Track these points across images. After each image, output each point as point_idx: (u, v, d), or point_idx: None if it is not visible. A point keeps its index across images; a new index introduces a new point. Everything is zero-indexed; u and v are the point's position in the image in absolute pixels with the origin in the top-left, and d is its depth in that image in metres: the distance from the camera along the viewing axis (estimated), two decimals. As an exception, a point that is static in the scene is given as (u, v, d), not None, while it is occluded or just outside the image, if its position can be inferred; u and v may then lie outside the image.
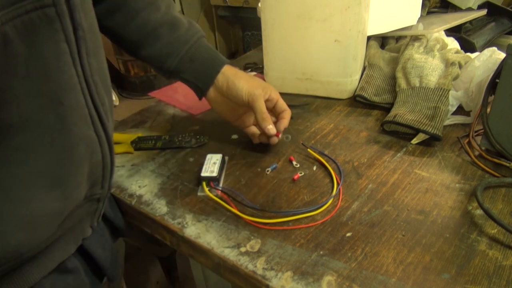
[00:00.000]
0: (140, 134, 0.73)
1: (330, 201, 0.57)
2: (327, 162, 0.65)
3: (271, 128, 0.64)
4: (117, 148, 0.70)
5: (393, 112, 0.72)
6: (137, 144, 0.71)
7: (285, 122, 0.66)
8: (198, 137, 0.72)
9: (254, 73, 0.98)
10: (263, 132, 0.66)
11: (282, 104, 0.67)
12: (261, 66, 0.95)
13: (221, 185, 0.61)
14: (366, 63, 0.87)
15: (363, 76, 0.84)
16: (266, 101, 0.65)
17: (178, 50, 0.64)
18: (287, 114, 0.67)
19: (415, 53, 0.79)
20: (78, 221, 0.50)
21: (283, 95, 0.86)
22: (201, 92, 0.67)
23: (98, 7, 0.59)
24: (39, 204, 0.42)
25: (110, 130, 0.48)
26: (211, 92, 0.66)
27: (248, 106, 0.65)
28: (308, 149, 0.67)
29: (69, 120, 0.42)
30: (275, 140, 0.66)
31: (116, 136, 0.73)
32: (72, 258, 0.51)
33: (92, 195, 0.49)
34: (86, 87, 0.44)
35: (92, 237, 0.54)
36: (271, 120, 0.65)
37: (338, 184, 0.60)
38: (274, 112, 0.68)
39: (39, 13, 0.37)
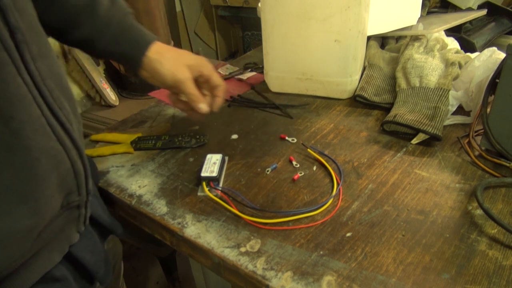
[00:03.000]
0: (140, 134, 0.73)
1: (330, 201, 0.57)
2: (327, 162, 0.65)
3: (202, 107, 0.63)
4: (117, 148, 0.70)
5: (393, 112, 0.72)
6: (137, 144, 0.71)
7: (218, 100, 0.65)
8: (198, 137, 0.72)
9: (254, 73, 0.98)
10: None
11: (215, 80, 0.65)
12: (261, 66, 0.95)
13: (221, 185, 0.61)
14: (366, 63, 0.87)
15: (363, 76, 0.84)
16: (197, 77, 0.64)
17: (101, 33, 0.60)
18: (220, 90, 0.65)
19: (415, 53, 0.79)
20: (59, 231, 0.47)
21: (283, 95, 0.86)
22: (135, 74, 0.65)
23: None
24: (6, 223, 0.39)
25: (76, 135, 0.45)
26: (144, 72, 0.64)
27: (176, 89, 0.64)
28: (308, 149, 0.67)
29: (24, 134, 0.38)
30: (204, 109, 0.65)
31: (116, 136, 0.73)
32: (59, 266, 0.49)
33: (69, 203, 0.47)
34: (39, 95, 0.40)
35: (80, 243, 0.51)
36: (203, 98, 0.64)
37: (338, 184, 0.60)
38: (208, 87, 0.66)
39: None
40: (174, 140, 0.71)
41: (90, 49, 0.63)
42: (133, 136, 0.72)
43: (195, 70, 0.63)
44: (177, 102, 0.67)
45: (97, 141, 0.74)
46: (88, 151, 0.69)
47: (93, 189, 0.56)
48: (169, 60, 0.62)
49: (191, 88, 0.62)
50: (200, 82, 0.65)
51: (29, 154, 0.39)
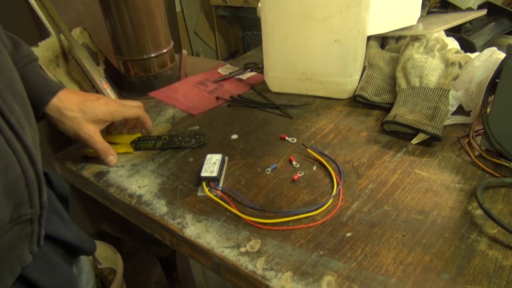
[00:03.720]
0: (139, 134, 0.73)
1: (330, 201, 0.57)
2: (327, 162, 0.65)
3: (111, 160, 0.67)
4: (117, 148, 0.70)
5: (393, 112, 0.72)
6: (137, 144, 0.71)
7: (148, 125, 0.70)
8: (198, 137, 0.72)
9: (254, 73, 0.98)
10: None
11: (131, 115, 0.68)
12: (261, 66, 0.95)
13: (221, 185, 0.61)
14: (366, 63, 0.87)
15: (363, 76, 0.84)
16: (113, 123, 0.67)
17: None
18: (143, 118, 0.69)
19: (415, 53, 0.79)
20: (9, 249, 0.42)
21: (283, 95, 0.86)
22: (38, 121, 0.62)
23: None
24: None
25: (27, 139, 0.43)
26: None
27: None
28: (308, 149, 0.67)
29: None
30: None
31: (116, 137, 0.73)
32: None
33: (19, 216, 0.42)
34: None
35: (34, 264, 0.46)
36: (110, 150, 0.66)
37: (338, 184, 0.60)
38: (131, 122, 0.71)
39: None
40: (174, 140, 0.71)
41: None
42: (133, 136, 0.72)
43: (103, 121, 0.65)
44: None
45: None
46: (89, 151, 0.69)
47: (56, 205, 0.54)
48: (70, 119, 0.62)
49: (95, 144, 0.64)
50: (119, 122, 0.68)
51: None
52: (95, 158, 0.69)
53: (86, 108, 0.63)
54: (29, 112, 0.47)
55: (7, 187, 0.40)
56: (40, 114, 0.61)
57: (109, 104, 0.65)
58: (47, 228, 0.49)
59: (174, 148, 0.71)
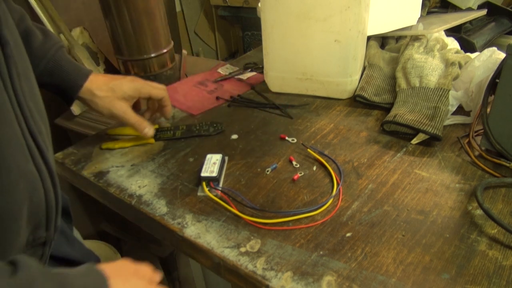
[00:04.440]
0: (156, 126, 0.75)
1: (330, 201, 0.57)
2: (327, 162, 0.65)
3: (146, 132, 0.68)
4: (138, 140, 0.72)
5: (393, 112, 0.72)
6: (156, 135, 0.73)
7: (166, 110, 0.70)
8: (215, 125, 0.74)
9: (254, 73, 0.97)
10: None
11: (155, 94, 0.68)
12: (261, 66, 0.95)
13: (221, 185, 0.61)
14: (366, 63, 0.87)
15: (363, 76, 0.84)
16: (138, 100, 0.67)
17: (34, 65, 0.55)
18: (164, 101, 0.69)
19: (415, 53, 0.79)
20: None
21: (283, 95, 0.86)
22: (68, 104, 0.66)
23: None
24: None
25: (51, 162, 0.43)
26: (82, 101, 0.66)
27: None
28: (308, 149, 0.67)
29: (6, 152, 0.36)
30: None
31: (133, 129, 0.75)
32: None
33: (35, 239, 0.42)
34: (21, 113, 0.39)
35: None
36: (144, 122, 0.67)
37: (338, 184, 0.60)
38: (153, 104, 0.72)
39: None
40: (192, 129, 0.73)
41: None
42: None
43: (132, 97, 0.66)
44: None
45: (114, 135, 0.75)
46: (109, 144, 0.71)
47: (61, 225, 0.53)
48: (102, 99, 0.64)
49: (130, 118, 0.66)
50: (145, 99, 0.69)
51: (9, 175, 0.37)
52: (113, 150, 0.71)
53: (115, 87, 0.65)
54: (49, 130, 0.47)
55: (30, 210, 0.40)
56: (74, 97, 0.63)
57: (135, 81, 0.67)
58: (53, 248, 0.49)
59: (193, 137, 0.73)
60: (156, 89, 0.69)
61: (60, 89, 0.63)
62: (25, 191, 0.39)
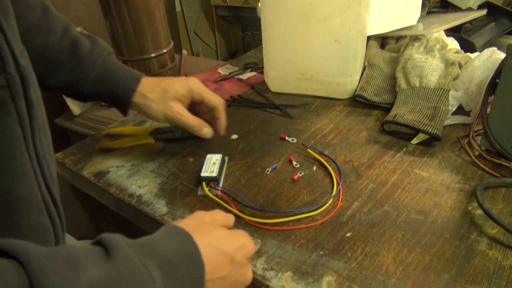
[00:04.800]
0: (156, 126, 0.75)
1: (330, 201, 0.57)
2: (327, 162, 0.65)
3: (207, 132, 0.63)
4: (137, 140, 0.72)
5: (393, 112, 0.72)
6: (156, 135, 0.72)
7: (221, 121, 0.64)
8: None
9: (254, 73, 0.98)
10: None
11: (209, 100, 0.62)
12: (261, 66, 0.95)
13: (221, 185, 0.61)
14: (366, 63, 0.87)
15: (363, 76, 0.84)
16: (191, 103, 0.62)
17: (85, 74, 0.58)
18: (218, 111, 0.63)
19: (415, 53, 0.79)
20: None
21: (283, 95, 0.86)
22: (123, 112, 0.63)
23: None
24: None
25: (62, 213, 0.42)
26: (135, 110, 0.63)
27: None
28: (308, 149, 0.67)
29: (17, 211, 0.36)
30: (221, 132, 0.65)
31: (134, 129, 0.75)
32: None
33: None
34: (39, 170, 0.39)
35: None
36: (202, 122, 0.62)
37: (338, 184, 0.60)
38: (206, 109, 0.64)
39: None
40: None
41: (75, 92, 0.60)
42: (150, 128, 0.74)
43: (186, 97, 0.61)
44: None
45: (114, 135, 0.75)
46: (109, 144, 0.71)
47: None
48: (155, 101, 0.60)
49: (186, 120, 0.61)
50: (197, 104, 0.63)
51: (16, 232, 0.36)
52: (114, 149, 0.70)
53: (167, 87, 0.61)
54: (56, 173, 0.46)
55: None
56: (129, 103, 0.60)
57: (188, 80, 0.62)
58: None
59: (193, 137, 0.69)
60: (211, 94, 0.63)
61: (113, 97, 0.61)
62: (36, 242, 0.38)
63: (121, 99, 0.60)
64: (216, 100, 0.63)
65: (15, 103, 0.35)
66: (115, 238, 0.32)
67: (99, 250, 0.31)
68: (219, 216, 0.44)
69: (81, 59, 0.58)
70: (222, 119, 0.64)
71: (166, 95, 0.60)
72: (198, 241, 0.37)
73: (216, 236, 0.41)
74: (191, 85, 0.61)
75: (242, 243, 0.42)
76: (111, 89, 0.60)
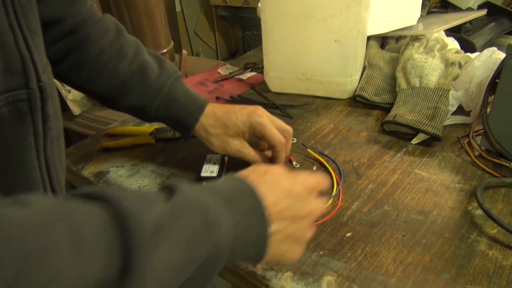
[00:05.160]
0: (156, 126, 0.74)
1: (330, 201, 0.57)
2: (327, 162, 0.65)
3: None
4: (136, 140, 0.72)
5: (393, 112, 0.72)
6: (156, 135, 0.72)
7: (279, 161, 0.61)
8: None
9: (254, 73, 0.98)
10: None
11: (270, 138, 0.59)
12: (261, 66, 0.95)
13: (221, 185, 0.61)
14: (366, 63, 0.87)
15: (363, 76, 0.84)
16: (253, 136, 0.60)
17: (151, 100, 0.59)
18: (277, 151, 0.60)
19: (415, 53, 0.79)
20: None
21: (283, 95, 0.86)
22: (186, 138, 0.64)
23: (59, 67, 0.56)
24: None
25: None
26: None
27: None
28: (308, 149, 0.67)
29: None
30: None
31: (134, 129, 0.75)
32: None
33: None
34: (48, 177, 0.40)
35: None
36: (259, 159, 0.61)
37: (338, 184, 0.60)
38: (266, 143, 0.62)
39: (10, 108, 0.36)
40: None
41: (142, 115, 0.62)
42: (151, 128, 0.74)
43: (247, 134, 0.60)
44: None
45: (114, 135, 0.75)
46: (110, 144, 0.71)
47: None
48: (216, 137, 0.60)
49: (245, 157, 0.60)
50: (257, 136, 0.61)
51: None
52: (114, 149, 0.70)
53: (228, 122, 0.59)
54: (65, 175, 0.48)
55: None
56: (192, 131, 0.60)
57: (252, 114, 0.59)
58: None
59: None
60: (273, 132, 0.59)
61: (178, 122, 0.61)
62: None
63: (185, 127, 0.61)
64: (276, 139, 0.59)
65: (32, 116, 0.38)
66: (177, 181, 0.35)
67: (163, 192, 0.34)
68: (276, 168, 0.45)
69: (148, 86, 0.59)
70: (280, 159, 0.61)
71: (226, 131, 0.59)
72: (252, 181, 0.39)
73: (271, 175, 0.42)
74: (253, 121, 0.59)
75: (300, 178, 0.43)
76: (176, 115, 0.60)
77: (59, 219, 0.26)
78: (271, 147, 0.60)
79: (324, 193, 0.59)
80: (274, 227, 0.39)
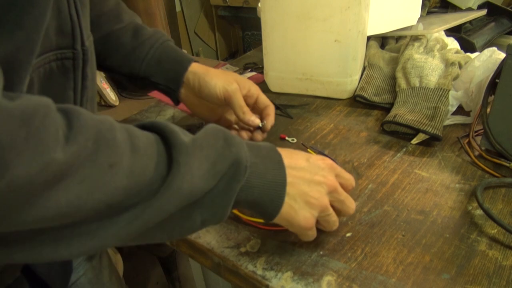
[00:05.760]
0: None
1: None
2: (327, 162, 0.65)
3: (253, 120, 0.63)
4: None
5: (393, 112, 0.72)
6: None
7: (271, 118, 0.65)
8: None
9: (254, 73, 0.97)
10: (246, 128, 0.65)
11: (263, 99, 0.65)
12: (261, 66, 0.95)
13: (221, 185, 0.61)
14: (366, 63, 0.87)
15: (363, 76, 0.84)
16: (245, 96, 0.63)
17: (143, 54, 0.63)
18: (271, 109, 0.65)
19: (415, 53, 0.79)
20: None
21: (283, 95, 0.86)
22: (174, 95, 0.66)
23: None
24: None
25: None
26: (185, 93, 0.65)
27: (225, 104, 0.63)
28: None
29: None
30: (258, 137, 0.65)
31: None
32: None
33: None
34: None
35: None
36: (252, 114, 0.63)
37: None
38: (256, 108, 0.66)
39: (58, 63, 0.42)
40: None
41: (129, 71, 0.65)
42: None
43: (243, 87, 0.63)
44: (241, 132, 0.67)
45: None
46: None
47: None
48: (217, 75, 0.63)
49: (241, 99, 0.62)
50: (248, 103, 0.64)
51: None
52: None
53: (227, 72, 0.65)
54: None
55: None
56: (181, 80, 0.64)
57: (247, 79, 0.66)
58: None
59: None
60: (263, 94, 0.66)
61: (167, 78, 0.64)
62: None
63: (174, 78, 0.64)
64: (267, 99, 0.66)
65: (74, 73, 0.44)
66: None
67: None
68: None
69: (142, 42, 0.64)
70: (271, 117, 0.65)
71: (226, 74, 0.64)
72: (272, 145, 0.45)
73: (290, 150, 0.47)
74: (248, 80, 0.65)
75: (320, 157, 0.48)
76: (166, 69, 0.64)
77: (120, 128, 0.34)
78: (263, 107, 0.65)
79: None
80: (289, 179, 0.43)
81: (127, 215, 0.33)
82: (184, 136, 0.37)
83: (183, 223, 0.38)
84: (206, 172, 0.37)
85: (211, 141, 0.39)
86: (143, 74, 0.64)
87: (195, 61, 0.65)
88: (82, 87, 0.45)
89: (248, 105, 0.63)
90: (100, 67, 0.64)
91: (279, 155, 0.44)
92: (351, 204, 0.47)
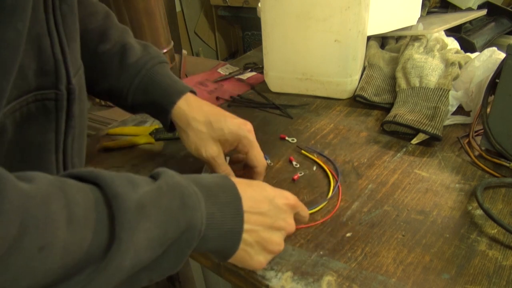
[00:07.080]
0: (156, 126, 0.75)
1: (325, 203, 0.57)
2: (326, 163, 0.65)
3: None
4: (138, 140, 0.72)
5: (393, 112, 0.72)
6: (157, 135, 0.72)
7: (258, 178, 0.57)
8: None
9: (254, 73, 0.98)
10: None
11: (252, 157, 0.55)
12: (261, 66, 0.95)
13: (221, 185, 0.61)
14: (366, 63, 0.87)
15: (363, 76, 0.84)
16: (234, 150, 0.56)
17: (128, 83, 0.56)
18: (257, 174, 0.56)
19: (415, 53, 0.79)
20: None
21: (283, 95, 0.86)
22: (165, 126, 0.59)
23: None
24: None
25: None
26: (175, 125, 0.58)
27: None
28: (302, 151, 0.67)
29: None
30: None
31: (134, 129, 0.75)
32: None
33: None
34: (63, 171, 0.42)
35: None
36: (231, 174, 0.56)
37: (335, 184, 0.60)
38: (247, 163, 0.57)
39: (38, 105, 0.38)
40: None
41: (121, 101, 0.59)
42: (151, 128, 0.74)
43: (229, 145, 0.55)
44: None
45: (114, 135, 0.75)
46: (110, 144, 0.71)
47: None
48: (196, 133, 0.54)
49: (218, 166, 0.55)
50: (239, 152, 0.57)
51: None
52: (114, 149, 0.70)
53: (215, 123, 0.54)
54: None
55: None
56: (169, 117, 0.56)
57: (241, 127, 0.55)
58: None
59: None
60: (257, 152, 0.56)
61: (155, 109, 0.57)
62: None
63: (163, 112, 0.56)
64: (260, 160, 0.56)
65: (57, 114, 0.40)
66: (163, 168, 0.38)
67: (150, 178, 0.38)
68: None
69: (128, 67, 0.56)
70: (260, 175, 0.57)
71: (209, 133, 0.54)
72: (238, 182, 0.42)
73: (258, 184, 0.44)
74: (243, 134, 0.54)
75: (283, 193, 0.45)
76: (152, 99, 0.56)
77: (56, 194, 0.30)
78: (251, 167, 0.56)
79: (322, 194, 0.59)
80: (247, 226, 0.40)
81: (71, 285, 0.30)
82: (133, 193, 0.33)
83: (131, 284, 0.35)
84: (155, 241, 0.34)
85: (165, 202, 0.35)
86: (132, 103, 0.58)
87: (185, 92, 0.57)
88: (67, 127, 0.42)
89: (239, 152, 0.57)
90: (89, 93, 0.57)
91: (239, 200, 0.40)
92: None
